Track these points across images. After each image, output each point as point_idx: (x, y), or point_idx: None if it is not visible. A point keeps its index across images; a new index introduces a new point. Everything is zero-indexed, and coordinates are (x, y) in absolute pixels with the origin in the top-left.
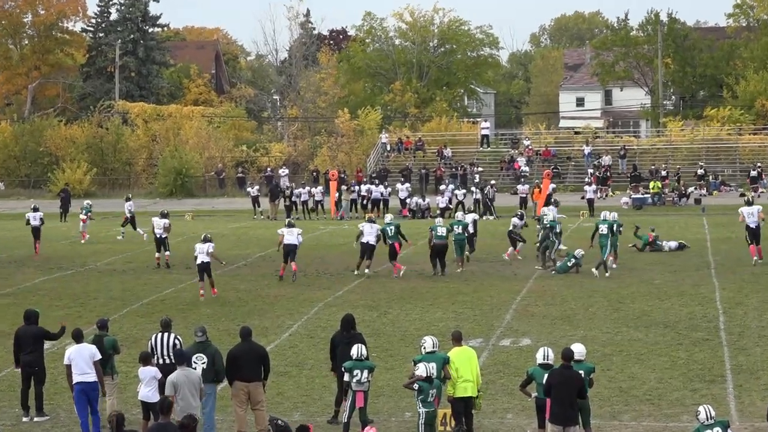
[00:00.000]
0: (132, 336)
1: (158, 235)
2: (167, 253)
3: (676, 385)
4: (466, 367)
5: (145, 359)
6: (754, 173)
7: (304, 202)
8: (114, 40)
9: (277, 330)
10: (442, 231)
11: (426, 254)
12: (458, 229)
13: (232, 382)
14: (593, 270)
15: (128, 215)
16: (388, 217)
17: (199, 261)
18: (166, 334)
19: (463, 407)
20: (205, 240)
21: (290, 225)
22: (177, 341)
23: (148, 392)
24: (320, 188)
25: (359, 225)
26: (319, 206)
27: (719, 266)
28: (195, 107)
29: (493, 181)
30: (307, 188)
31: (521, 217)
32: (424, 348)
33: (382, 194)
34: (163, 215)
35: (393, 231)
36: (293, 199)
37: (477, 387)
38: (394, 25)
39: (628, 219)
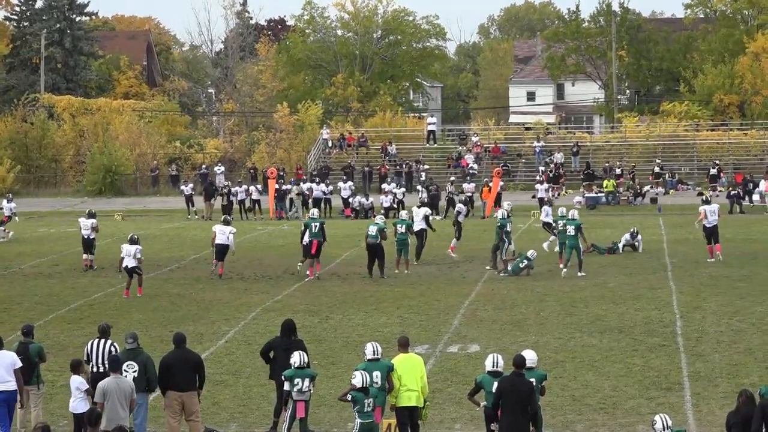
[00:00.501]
0: (59, 343)
1: (86, 236)
2: (92, 256)
3: (631, 393)
4: (410, 375)
5: (75, 367)
6: (713, 171)
7: (241, 202)
8: (39, 29)
9: (212, 336)
10: (372, 230)
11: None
12: (401, 229)
13: (165, 392)
14: (578, 274)
15: (7, 215)
16: (314, 212)
17: (125, 264)
18: (103, 341)
19: (408, 417)
20: (132, 241)
21: (225, 222)
22: (113, 348)
23: (73, 403)
24: (258, 186)
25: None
26: (257, 206)
27: (676, 269)
28: (125, 101)
29: (453, 178)
30: (245, 187)
31: (466, 203)
32: (366, 355)
33: (323, 193)
34: (90, 215)
35: (317, 228)
36: (230, 198)
37: (424, 396)
38: (335, 14)
39: (580, 219)
